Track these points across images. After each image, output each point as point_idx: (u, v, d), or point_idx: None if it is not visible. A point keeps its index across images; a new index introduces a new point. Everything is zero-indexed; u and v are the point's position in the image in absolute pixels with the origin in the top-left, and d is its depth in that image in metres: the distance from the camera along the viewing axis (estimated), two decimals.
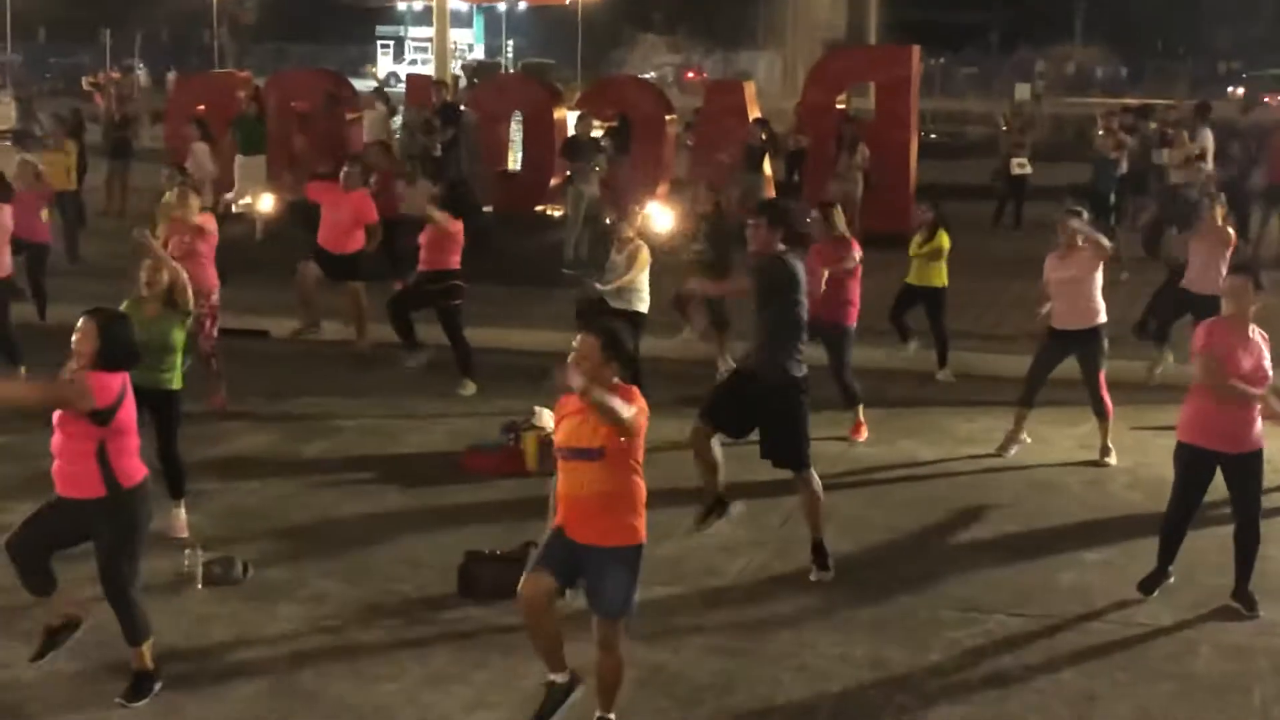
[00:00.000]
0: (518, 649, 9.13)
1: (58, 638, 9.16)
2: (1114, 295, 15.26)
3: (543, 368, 8.45)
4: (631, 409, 7.90)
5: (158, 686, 8.96)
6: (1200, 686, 9.45)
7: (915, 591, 10.95)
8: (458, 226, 16.32)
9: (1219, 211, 16.10)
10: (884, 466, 14.14)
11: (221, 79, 32.47)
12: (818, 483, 11.08)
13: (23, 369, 15.24)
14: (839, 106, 27.14)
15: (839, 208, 15.20)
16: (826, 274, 14.04)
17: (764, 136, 25.53)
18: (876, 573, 11.33)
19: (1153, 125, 28.73)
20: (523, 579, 8.29)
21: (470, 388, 16.26)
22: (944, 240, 16.76)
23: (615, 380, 8.10)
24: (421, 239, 16.42)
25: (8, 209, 16.32)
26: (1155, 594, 10.65)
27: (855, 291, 14.64)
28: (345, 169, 18.46)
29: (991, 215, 28.14)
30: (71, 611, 9.21)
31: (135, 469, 8.92)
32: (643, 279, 15.12)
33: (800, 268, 11.06)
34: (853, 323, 14.70)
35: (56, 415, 8.82)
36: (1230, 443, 10.31)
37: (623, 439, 8.00)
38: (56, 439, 8.84)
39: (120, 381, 8.85)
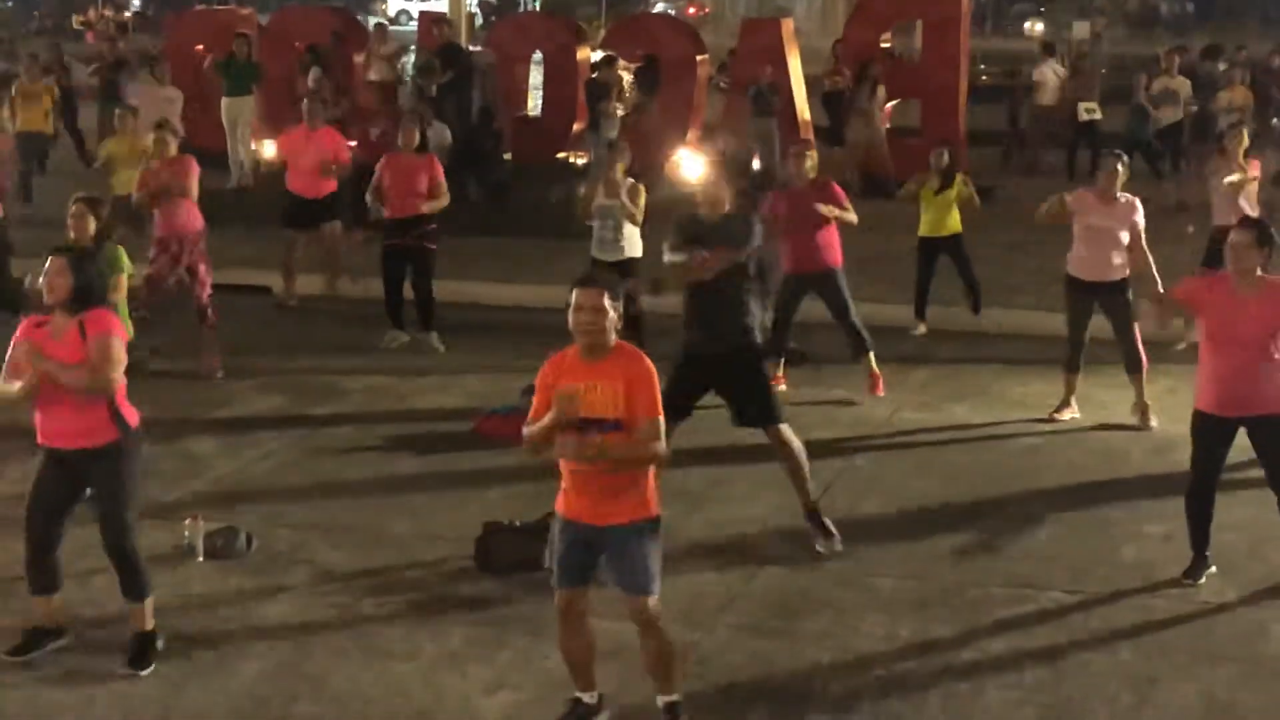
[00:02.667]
0: (540, 626, 9.13)
1: (42, 641, 9.27)
2: (1180, 249, 15.31)
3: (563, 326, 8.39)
4: (660, 443, 8.07)
5: (160, 645, 9.12)
6: (1270, 670, 9.38)
7: (964, 567, 10.94)
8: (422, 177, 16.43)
9: (1239, 145, 16.12)
10: (931, 431, 14.12)
11: (221, 16, 32.30)
12: (797, 440, 11.08)
13: None
14: (883, 45, 27.00)
15: (814, 150, 15.22)
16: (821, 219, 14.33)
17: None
18: (923, 547, 11.28)
19: (1222, 67, 28.66)
20: (556, 597, 8.28)
21: (440, 344, 16.41)
22: (966, 190, 16.99)
23: (615, 339, 8.12)
24: (385, 182, 16.37)
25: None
26: (1204, 580, 10.54)
27: (834, 233, 14.60)
28: (306, 105, 18.61)
29: (1065, 167, 27.96)
30: (62, 620, 9.35)
31: (132, 410, 9.13)
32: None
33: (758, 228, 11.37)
34: (839, 263, 14.68)
35: (64, 374, 8.89)
36: (1247, 406, 10.25)
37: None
38: (55, 393, 8.89)
39: None
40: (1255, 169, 16.35)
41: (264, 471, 12.77)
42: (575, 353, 8.15)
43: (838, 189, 14.71)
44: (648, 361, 8.16)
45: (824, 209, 14.29)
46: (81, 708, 8.70)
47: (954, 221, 17.00)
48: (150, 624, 9.18)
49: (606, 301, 8.02)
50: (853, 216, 14.64)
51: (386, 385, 15.22)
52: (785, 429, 11.10)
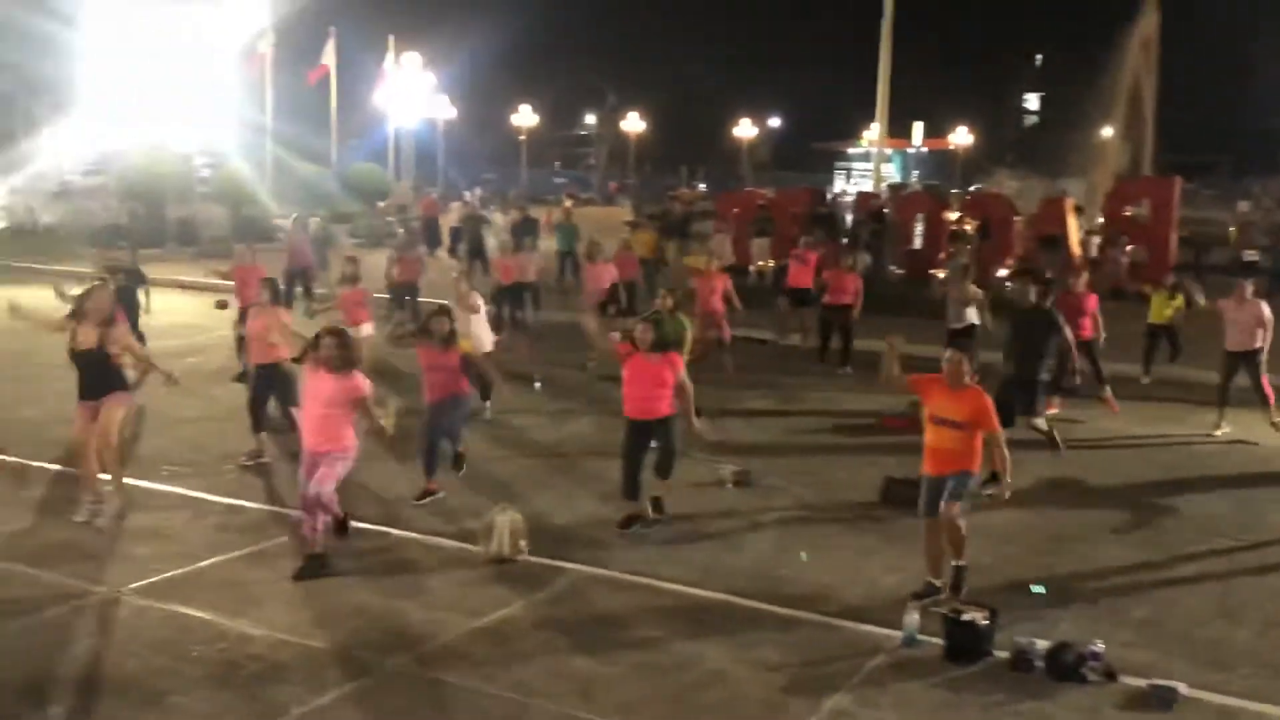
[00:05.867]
0: (915, 538, 8.81)
1: (634, 523, 9.36)
2: None
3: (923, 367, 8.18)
4: (1001, 442, 8.07)
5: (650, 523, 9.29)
6: None
7: (1166, 520, 10.14)
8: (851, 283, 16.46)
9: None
10: (1132, 438, 13.08)
11: (746, 194, 32.70)
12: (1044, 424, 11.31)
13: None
14: (1126, 214, 25.50)
15: (1086, 272, 15.03)
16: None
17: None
18: (1138, 506, 10.49)
19: None
20: (922, 523, 8.14)
21: (848, 369, 15.99)
22: (1181, 301, 15.90)
23: (970, 381, 8.01)
24: (828, 282, 16.56)
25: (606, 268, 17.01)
26: None
27: (1090, 321, 13.97)
28: (803, 241, 19.40)
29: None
30: (643, 511, 9.41)
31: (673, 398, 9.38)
32: (973, 307, 14.83)
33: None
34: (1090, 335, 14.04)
35: (654, 375, 9.07)
36: None
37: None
38: (647, 388, 9.14)
39: None
40: None
41: (757, 437, 12.66)
42: (944, 383, 8.02)
43: (1094, 298, 14.21)
44: (986, 397, 8.01)
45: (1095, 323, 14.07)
46: (654, 559, 8.71)
47: (1170, 314, 15.93)
48: (660, 494, 9.44)
49: (964, 362, 8.03)
50: (1098, 323, 14.21)
51: (825, 396, 14.86)
52: (1039, 421, 11.19)
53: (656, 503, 9.41)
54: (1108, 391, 14.02)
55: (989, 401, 7.99)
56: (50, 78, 41.33)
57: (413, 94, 46.22)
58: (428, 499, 9.85)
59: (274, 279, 12.26)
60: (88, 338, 9.19)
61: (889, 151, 68.97)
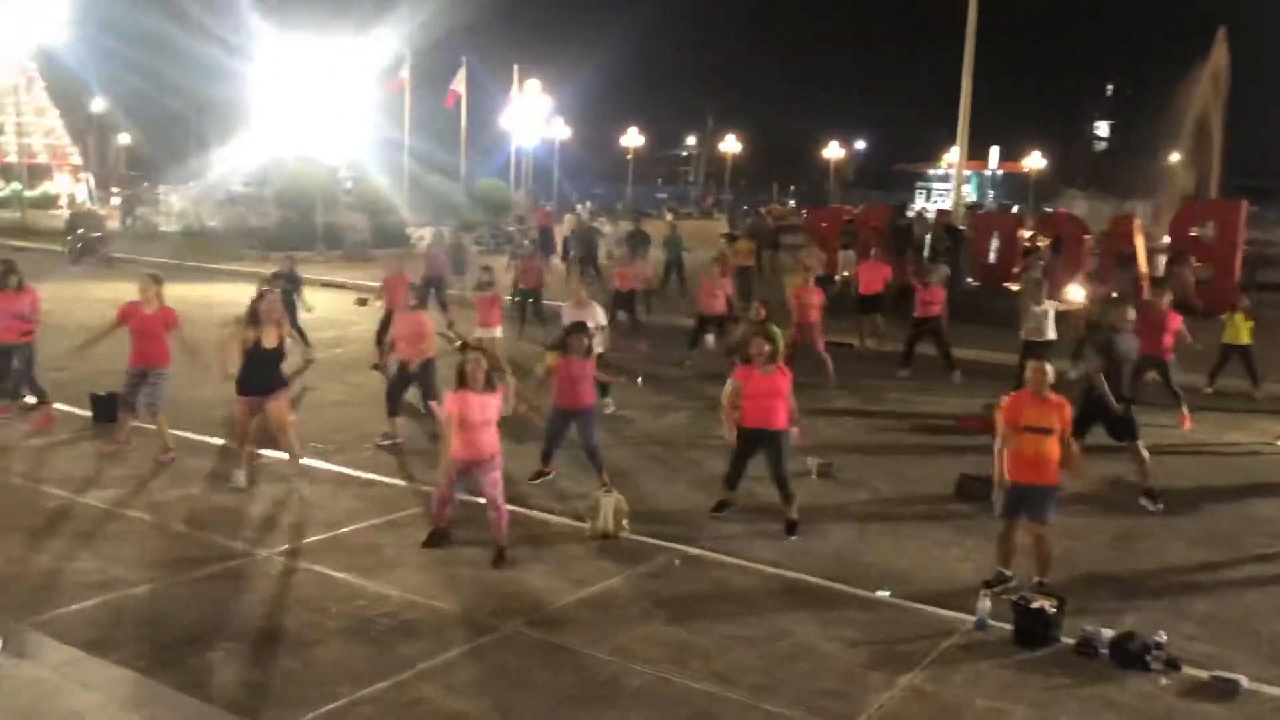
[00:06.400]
0: (990, 532, 8.60)
1: (723, 508, 9.23)
2: None
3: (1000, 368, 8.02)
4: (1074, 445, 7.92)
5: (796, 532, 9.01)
6: None
7: (1233, 521, 9.73)
8: (939, 295, 15.83)
9: None
10: (1205, 445, 12.60)
11: (833, 210, 32.33)
12: (1146, 452, 10.11)
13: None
14: (1192, 234, 24.60)
15: (1170, 293, 13.83)
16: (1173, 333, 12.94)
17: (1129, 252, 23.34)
18: (1207, 507, 10.09)
19: None
20: (1000, 522, 7.88)
21: (958, 377, 15.55)
22: (1249, 319, 15.20)
23: (1050, 395, 7.75)
24: (917, 298, 16.00)
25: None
26: None
27: (1171, 338, 13.02)
28: (873, 251, 19.00)
29: None
30: (733, 499, 9.26)
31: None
32: (1051, 321, 14.25)
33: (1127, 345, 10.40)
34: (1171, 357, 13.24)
35: (770, 386, 8.83)
36: None
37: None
38: (766, 399, 8.82)
39: None
40: None
41: (843, 433, 12.47)
42: (1030, 393, 7.82)
43: (1177, 316, 13.23)
44: (1069, 407, 7.82)
45: (1186, 335, 13.11)
46: (744, 541, 8.70)
47: (1246, 336, 15.09)
48: (795, 516, 9.06)
49: (1048, 370, 7.80)
50: (1188, 338, 13.25)
51: (904, 398, 14.62)
52: (1139, 444, 10.13)
53: (792, 525, 9.05)
54: (1185, 409, 13.47)
55: (1069, 406, 7.88)
56: (217, 100, 42.61)
57: (533, 116, 46.62)
58: (540, 479, 9.92)
59: (417, 285, 12.48)
60: (271, 337, 9.43)
61: (967, 173, 67.75)
